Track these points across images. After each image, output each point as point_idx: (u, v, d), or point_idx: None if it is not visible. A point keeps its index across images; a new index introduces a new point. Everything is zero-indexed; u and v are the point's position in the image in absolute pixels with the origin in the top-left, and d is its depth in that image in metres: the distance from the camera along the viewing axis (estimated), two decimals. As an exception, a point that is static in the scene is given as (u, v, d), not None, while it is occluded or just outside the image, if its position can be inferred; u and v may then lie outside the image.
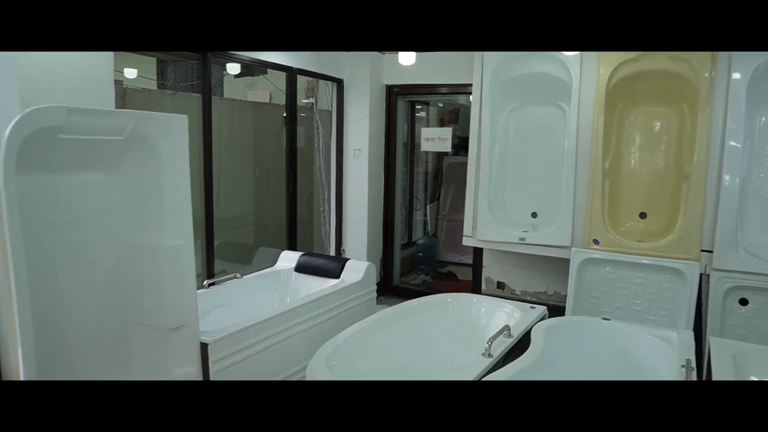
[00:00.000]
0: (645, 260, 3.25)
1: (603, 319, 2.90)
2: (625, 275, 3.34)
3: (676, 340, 2.53)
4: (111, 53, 2.55)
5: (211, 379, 2.51)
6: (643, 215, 3.53)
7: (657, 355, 2.53)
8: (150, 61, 6.96)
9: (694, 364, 2.24)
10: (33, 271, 1.97)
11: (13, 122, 1.82)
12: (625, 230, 3.50)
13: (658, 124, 3.51)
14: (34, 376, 1.90)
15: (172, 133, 2.38)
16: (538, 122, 3.92)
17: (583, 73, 3.46)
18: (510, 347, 2.60)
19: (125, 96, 4.05)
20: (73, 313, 2.29)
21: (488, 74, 3.80)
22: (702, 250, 3.13)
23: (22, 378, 1.88)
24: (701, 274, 3.10)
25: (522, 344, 2.66)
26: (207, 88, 3.47)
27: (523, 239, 3.71)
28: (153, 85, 6.99)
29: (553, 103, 3.79)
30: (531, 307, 3.13)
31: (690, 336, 2.58)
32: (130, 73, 5.73)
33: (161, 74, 7.40)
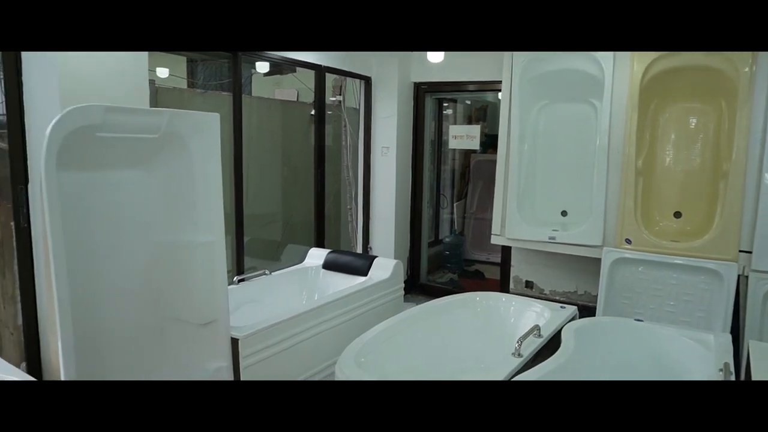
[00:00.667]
0: (679, 260, 3.17)
1: (636, 320, 2.84)
2: (659, 276, 3.26)
3: (712, 343, 2.47)
4: (146, 53, 2.60)
5: (241, 373, 2.55)
6: (677, 214, 3.44)
7: (693, 358, 2.47)
8: (180, 61, 7.09)
9: (732, 369, 2.18)
10: (72, 266, 2.02)
11: (53, 121, 1.87)
12: (659, 230, 3.42)
13: (694, 120, 3.42)
14: (72, 368, 1.95)
15: (205, 131, 2.42)
16: (569, 119, 3.86)
17: (616, 69, 3.40)
18: (540, 347, 2.57)
19: (157, 95, 4.13)
20: (110, 307, 2.35)
21: (518, 71, 3.76)
22: (740, 251, 3.03)
23: (61, 369, 1.93)
24: (739, 276, 3.01)
25: (552, 345, 2.62)
26: (237, 86, 3.51)
27: (553, 238, 3.66)
28: (183, 84, 7.12)
29: (585, 99, 3.73)
30: (561, 307, 3.09)
31: (728, 339, 2.51)
32: (162, 72, 5.84)
33: (191, 73, 7.53)
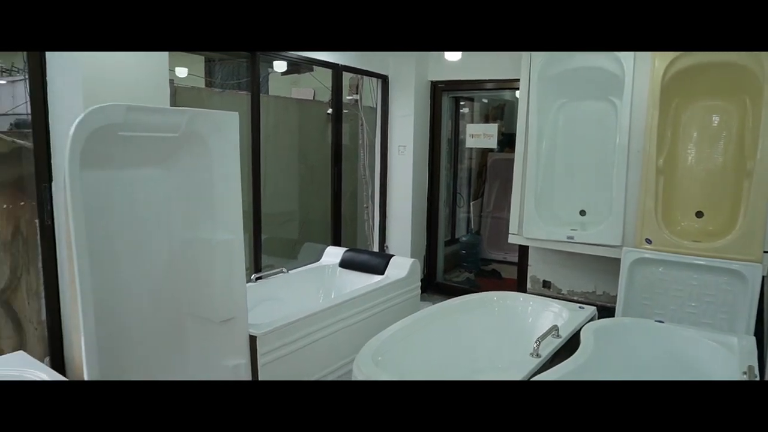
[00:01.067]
0: (701, 261, 3.12)
1: (656, 321, 2.80)
2: (680, 276, 3.21)
3: (736, 346, 2.42)
4: (166, 53, 2.62)
5: (259, 370, 2.57)
6: (699, 214, 3.38)
7: (715, 361, 2.43)
8: (198, 60, 7.16)
9: (757, 372, 2.14)
10: (94, 263, 2.06)
11: (77, 120, 1.90)
12: (680, 229, 3.37)
13: (717, 118, 3.35)
14: (95, 364, 1.98)
15: (224, 129, 2.44)
16: (588, 117, 3.81)
17: (636, 66, 3.35)
18: (558, 348, 2.55)
19: (176, 94, 4.18)
20: (131, 304, 2.38)
21: (536, 69, 3.73)
22: (765, 251, 2.97)
23: (84, 364, 1.96)
24: (763, 277, 2.95)
25: (570, 345, 2.60)
26: (255, 86, 3.53)
27: (572, 238, 3.62)
28: (201, 83, 7.19)
29: (604, 97, 3.68)
30: (579, 307, 3.06)
31: (752, 341, 2.47)
32: (181, 72, 5.90)
33: (209, 72, 7.61)
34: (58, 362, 2.45)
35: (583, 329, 2.60)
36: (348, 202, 4.83)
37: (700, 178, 3.39)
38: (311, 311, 2.84)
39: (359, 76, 4.79)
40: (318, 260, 3.91)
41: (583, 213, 3.88)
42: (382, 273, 3.57)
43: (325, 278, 3.76)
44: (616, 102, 3.55)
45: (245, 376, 2.54)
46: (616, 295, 3.34)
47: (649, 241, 3.28)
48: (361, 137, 4.99)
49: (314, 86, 6.56)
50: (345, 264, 3.76)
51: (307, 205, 5.26)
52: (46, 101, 2.33)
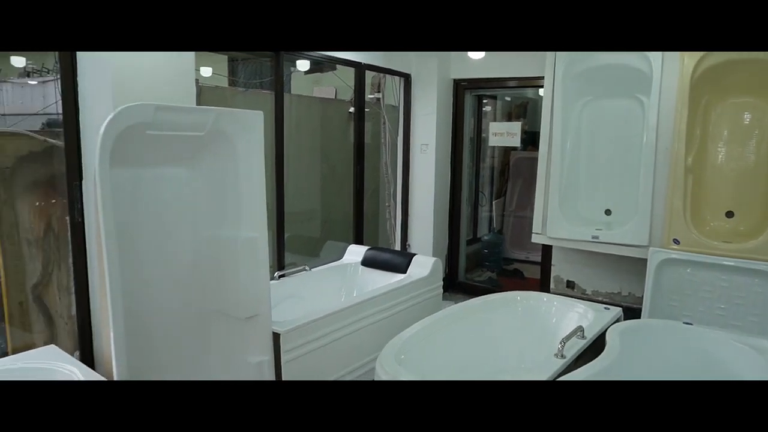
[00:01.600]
0: (731, 262, 3.04)
1: (684, 323, 2.75)
2: (709, 277, 3.14)
3: (767, 348, 2.36)
4: (193, 53, 2.65)
5: (282, 368, 2.59)
6: (729, 214, 3.31)
7: (745, 364, 2.37)
8: (222, 60, 7.23)
9: (790, 376, 2.08)
10: (123, 259, 2.10)
11: (107, 119, 1.94)
12: (710, 230, 3.30)
13: (749, 116, 3.27)
14: (123, 358, 2.02)
15: (249, 128, 2.47)
16: (614, 115, 3.75)
17: (665, 63, 3.28)
18: (583, 349, 2.52)
19: (201, 94, 4.23)
20: (158, 300, 2.42)
21: (561, 66, 3.68)
22: (798, 253, 2.89)
23: (113, 359, 2.00)
24: (797, 279, 2.87)
25: (595, 347, 2.57)
26: (279, 85, 3.56)
27: (597, 237, 3.57)
28: (224, 83, 7.26)
29: (631, 95, 3.62)
30: (605, 308, 3.02)
31: (784, 345, 2.40)
32: (206, 71, 5.98)
33: (232, 72, 7.68)
34: (87, 356, 2.51)
35: (608, 330, 2.57)
36: (370, 200, 4.84)
37: (731, 177, 3.31)
38: (334, 309, 2.86)
39: (381, 74, 4.79)
40: (340, 258, 3.93)
41: (608, 212, 3.82)
42: (404, 272, 3.57)
43: (347, 276, 3.77)
44: (644, 100, 3.49)
45: (269, 372, 2.57)
46: (642, 296, 3.29)
47: (676, 242, 3.22)
48: (383, 136, 4.99)
49: (336, 85, 6.58)
50: (367, 262, 3.77)
51: (329, 204, 5.28)
52: (77, 101, 2.38)
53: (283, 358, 2.58)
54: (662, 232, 3.30)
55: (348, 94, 6.07)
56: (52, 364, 2.06)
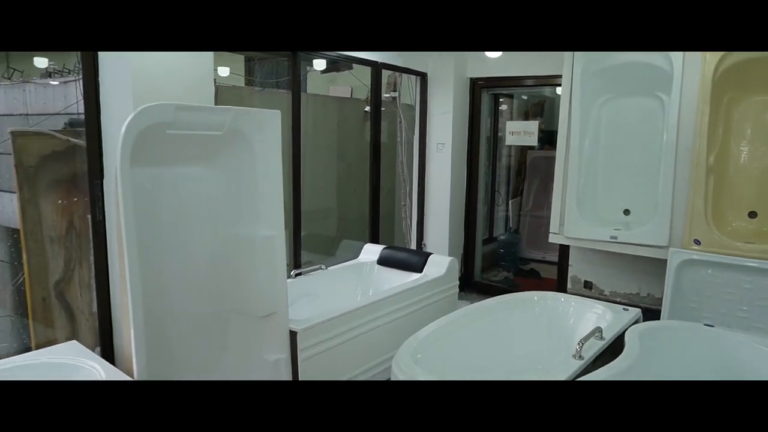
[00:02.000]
0: (754, 263, 2.98)
1: (705, 325, 2.71)
2: (731, 279, 3.08)
3: (792, 352, 2.32)
4: (211, 53, 2.67)
5: (299, 366, 2.60)
6: (753, 214, 3.24)
7: (769, 367, 2.33)
8: (238, 60, 7.29)
9: (815, 379, 2.04)
10: (142, 257, 2.12)
11: (128, 119, 1.96)
12: (732, 230, 3.24)
13: (773, 114, 3.21)
14: (143, 354, 2.04)
15: (267, 127, 2.48)
16: (633, 114, 3.71)
17: (686, 60, 3.23)
18: (602, 350, 2.49)
19: (218, 93, 4.26)
20: (176, 297, 2.45)
21: (579, 65, 3.65)
22: (824, 254, 2.83)
23: (133, 355, 2.03)
24: (822, 281, 2.81)
25: (614, 348, 2.54)
26: (296, 84, 3.57)
27: (615, 238, 3.53)
28: (241, 82, 7.31)
29: (651, 93, 3.57)
30: (623, 309, 2.98)
31: (809, 348, 2.36)
32: (223, 71, 6.02)
33: (248, 71, 7.73)
34: (108, 352, 2.54)
35: (627, 331, 2.54)
36: (385, 199, 4.84)
37: (754, 176, 3.25)
38: (350, 308, 2.86)
39: (397, 73, 4.78)
40: (356, 257, 3.93)
41: (627, 212, 3.78)
42: (420, 271, 3.57)
43: (363, 275, 3.78)
44: (664, 98, 3.44)
45: (285, 370, 2.58)
46: (661, 297, 3.24)
47: (697, 242, 3.17)
48: (399, 135, 4.98)
49: (351, 84, 6.59)
50: (383, 261, 3.77)
51: (345, 202, 5.29)
52: (99, 101, 2.41)
53: (300, 356, 2.59)
54: (683, 233, 3.25)
55: (363, 93, 6.08)
56: (75, 359, 2.09)
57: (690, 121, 3.22)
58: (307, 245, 4.14)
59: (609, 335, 2.59)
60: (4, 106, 5.48)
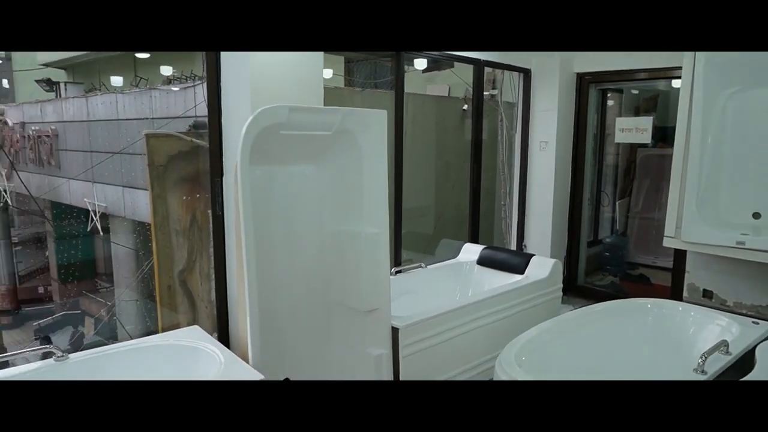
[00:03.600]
0: None
1: None
2: None
3: None
4: (321, 54, 2.76)
5: (400, 362, 2.63)
6: None
7: None
8: (339, 61, 7.51)
9: None
10: (258, 250, 2.25)
11: (248, 120, 2.09)
12: None
13: None
14: (257, 341, 2.17)
15: (373, 127, 2.53)
16: (766, 107, 3.35)
17: (834, 46, 2.87)
18: (728, 366, 2.29)
19: (324, 95, 4.41)
20: (286, 290, 2.57)
21: (702, 54, 3.36)
22: None
23: (249, 342, 2.15)
24: None
25: (741, 365, 2.32)
26: (399, 84, 3.61)
27: (742, 243, 3.21)
28: (341, 83, 7.53)
29: (788, 84, 3.21)
30: (753, 323, 2.71)
31: None
32: (327, 72, 6.24)
33: (348, 72, 7.94)
34: (224, 337, 2.73)
35: (758, 347, 2.31)
36: (484, 198, 4.76)
37: None
38: (452, 307, 2.85)
39: (498, 70, 4.68)
40: (455, 257, 3.91)
41: (756, 216, 3.42)
42: (522, 273, 3.47)
43: (463, 275, 3.75)
44: (805, 89, 3.08)
45: (387, 365, 2.62)
46: (799, 311, 2.92)
47: None
48: (500, 133, 4.88)
49: (449, 82, 6.55)
50: (483, 261, 3.72)
51: (443, 201, 5.28)
52: (220, 103, 2.58)
53: (402, 352, 2.62)
54: (826, 240, 2.89)
55: (461, 92, 6.02)
56: (198, 343, 2.27)
57: (838, 114, 2.86)
58: (405, 243, 4.18)
59: (736, 350, 2.37)
60: (134, 111, 6.07)
